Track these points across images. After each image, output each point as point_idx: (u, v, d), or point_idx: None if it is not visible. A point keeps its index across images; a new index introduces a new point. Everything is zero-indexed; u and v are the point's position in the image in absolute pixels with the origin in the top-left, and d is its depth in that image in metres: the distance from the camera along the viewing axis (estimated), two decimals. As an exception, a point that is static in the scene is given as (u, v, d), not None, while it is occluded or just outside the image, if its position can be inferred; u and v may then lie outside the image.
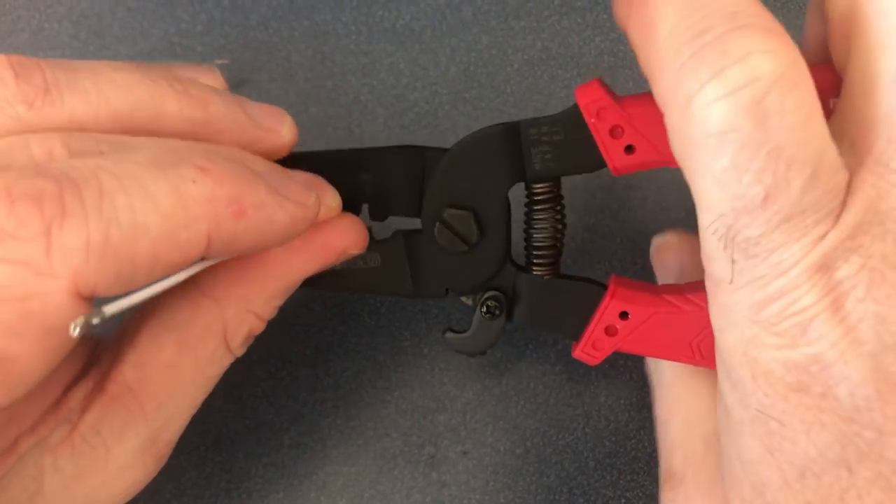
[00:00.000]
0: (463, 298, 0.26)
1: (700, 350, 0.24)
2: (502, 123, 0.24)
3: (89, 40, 0.34)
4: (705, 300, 0.21)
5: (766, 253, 0.18)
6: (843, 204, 0.18)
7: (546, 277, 0.25)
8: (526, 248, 0.25)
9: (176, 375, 0.23)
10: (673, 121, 0.18)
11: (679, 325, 0.24)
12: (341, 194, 0.24)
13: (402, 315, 0.31)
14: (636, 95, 0.23)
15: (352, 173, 0.25)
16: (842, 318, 0.18)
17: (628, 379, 0.30)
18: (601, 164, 0.23)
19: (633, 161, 0.23)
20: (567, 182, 0.25)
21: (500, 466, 0.30)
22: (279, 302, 0.25)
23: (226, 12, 0.34)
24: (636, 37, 0.20)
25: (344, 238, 0.24)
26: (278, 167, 0.23)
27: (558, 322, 0.25)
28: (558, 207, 0.25)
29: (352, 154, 0.25)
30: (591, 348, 0.25)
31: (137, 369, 0.23)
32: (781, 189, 0.17)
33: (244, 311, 0.23)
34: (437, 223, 0.24)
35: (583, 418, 0.30)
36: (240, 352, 0.24)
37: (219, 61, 0.33)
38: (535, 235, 0.25)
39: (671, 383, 0.26)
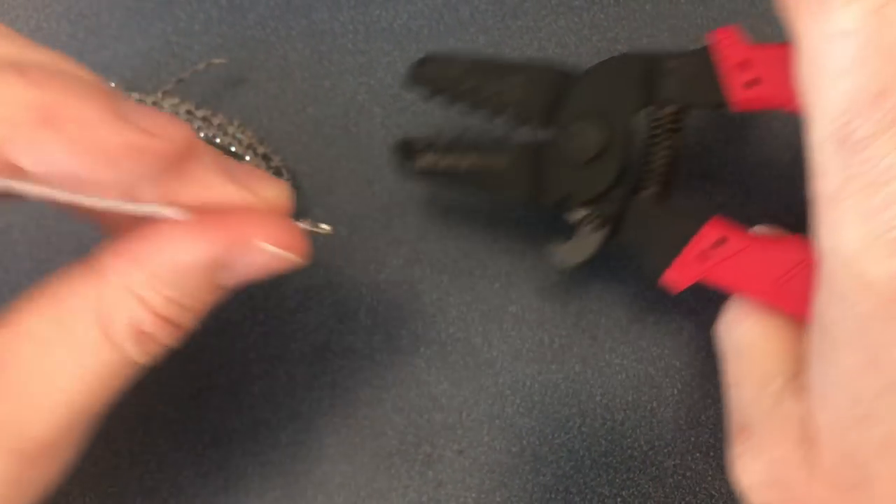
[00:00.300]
0: (571, 215, 0.27)
1: (785, 288, 0.24)
2: (642, 52, 0.26)
3: (87, 39, 0.34)
4: (802, 241, 0.23)
5: (877, 157, 0.19)
6: None
7: (654, 201, 0.26)
8: (642, 171, 0.27)
9: (47, 354, 0.21)
10: (802, 26, 0.20)
11: (770, 260, 0.24)
12: (482, 98, 0.27)
13: (398, 315, 0.31)
14: (768, 45, 0.25)
15: (495, 80, 0.27)
16: None
17: (624, 378, 0.30)
18: (723, 99, 0.25)
19: (753, 95, 0.25)
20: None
21: (496, 465, 0.30)
22: (174, 293, 0.21)
23: (223, 12, 0.34)
24: None
25: (261, 231, 0.22)
26: (148, 109, 0.22)
27: (654, 246, 0.26)
28: (678, 136, 0.26)
29: (497, 63, 0.27)
30: (681, 271, 0.26)
31: (10, 337, 0.21)
32: (894, 87, 0.18)
33: (123, 289, 0.21)
34: (566, 132, 0.26)
35: (578, 417, 0.30)
36: (129, 349, 0.21)
37: (216, 60, 0.33)
38: (652, 159, 0.26)
39: (747, 347, 0.26)
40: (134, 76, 0.33)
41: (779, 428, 0.23)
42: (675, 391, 0.30)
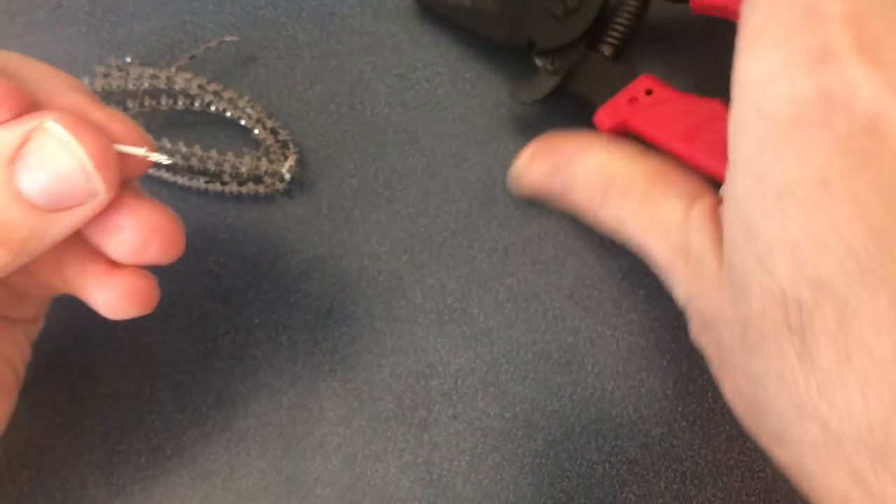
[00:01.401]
0: (537, 60, 0.31)
1: (695, 138, 0.27)
2: None
3: (105, 17, 0.35)
4: (721, 104, 0.26)
5: None
6: None
7: (606, 58, 0.30)
8: (602, 29, 0.30)
9: None
10: None
11: (686, 112, 0.27)
12: None
13: (398, 285, 0.32)
14: None
15: None
16: (871, 59, 0.19)
17: (615, 349, 0.31)
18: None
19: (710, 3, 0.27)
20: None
21: (490, 430, 0.31)
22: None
23: (236, -8, 0.35)
24: None
25: (61, 118, 0.21)
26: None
27: (597, 92, 0.29)
28: (644, 8, 0.31)
29: None
30: (611, 111, 0.29)
31: None
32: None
33: None
34: None
35: (570, 385, 0.31)
36: None
37: (229, 38, 0.34)
38: (616, 19, 0.30)
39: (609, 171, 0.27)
40: (149, 52, 0.35)
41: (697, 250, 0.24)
42: (664, 362, 0.31)
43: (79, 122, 0.21)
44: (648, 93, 0.28)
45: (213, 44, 0.34)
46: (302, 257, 0.33)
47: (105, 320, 0.25)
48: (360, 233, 0.33)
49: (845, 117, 0.19)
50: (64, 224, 0.21)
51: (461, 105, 0.34)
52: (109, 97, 0.34)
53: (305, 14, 0.35)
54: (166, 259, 0.24)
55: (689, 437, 0.30)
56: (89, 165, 0.21)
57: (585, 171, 0.27)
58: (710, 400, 0.31)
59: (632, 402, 0.31)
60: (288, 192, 0.33)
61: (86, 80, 0.34)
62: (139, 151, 0.22)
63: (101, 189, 0.21)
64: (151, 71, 0.33)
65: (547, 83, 0.30)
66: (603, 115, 0.29)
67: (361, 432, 0.31)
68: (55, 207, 0.21)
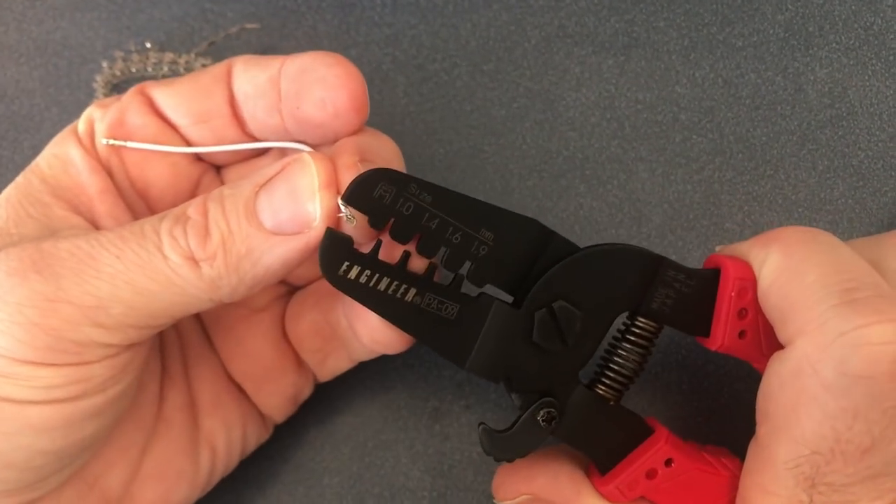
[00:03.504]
0: (517, 396, 0.24)
1: None
2: (647, 251, 0.24)
3: (125, 3, 0.35)
4: (738, 468, 0.23)
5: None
6: None
7: (604, 401, 0.24)
8: (601, 368, 0.25)
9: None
10: (807, 349, 0.20)
11: (711, 485, 0.24)
12: (458, 242, 0.22)
13: (412, 275, 0.32)
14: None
15: (474, 224, 0.23)
16: None
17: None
18: (705, 332, 0.24)
19: (737, 345, 0.23)
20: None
21: (501, 421, 0.30)
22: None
23: (257, -19, 0.35)
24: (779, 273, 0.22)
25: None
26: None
27: (597, 447, 0.24)
28: (651, 348, 0.24)
29: (481, 207, 0.23)
30: (626, 487, 0.24)
31: None
32: (884, 445, 0.19)
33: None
34: (543, 310, 0.23)
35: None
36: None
37: (249, 26, 0.34)
38: (618, 361, 0.24)
39: None
40: (168, 39, 0.35)
41: None
42: (680, 356, 0.31)
43: (324, 161, 0.23)
44: (668, 463, 0.24)
45: (233, 31, 0.34)
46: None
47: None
48: (375, 222, 0.33)
49: None
50: (276, 253, 0.22)
51: (479, 97, 0.34)
52: (128, 82, 0.34)
53: (325, 4, 0.35)
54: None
55: (705, 433, 0.30)
56: (316, 195, 0.22)
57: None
58: (726, 396, 0.30)
59: (646, 397, 0.30)
60: (304, 180, 0.33)
61: (105, 65, 0.34)
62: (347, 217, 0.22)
63: (318, 218, 0.22)
64: (171, 56, 0.34)
65: (534, 437, 0.23)
66: (615, 490, 0.24)
67: (372, 421, 0.31)
68: (277, 229, 0.22)
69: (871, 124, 0.33)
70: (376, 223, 0.22)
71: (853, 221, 0.32)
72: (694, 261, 0.32)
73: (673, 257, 0.31)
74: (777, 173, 0.32)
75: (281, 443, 0.31)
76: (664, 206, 0.32)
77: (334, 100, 0.24)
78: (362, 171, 0.22)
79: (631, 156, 0.33)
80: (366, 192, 0.22)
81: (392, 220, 0.22)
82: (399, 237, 0.22)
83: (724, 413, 0.30)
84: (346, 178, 0.22)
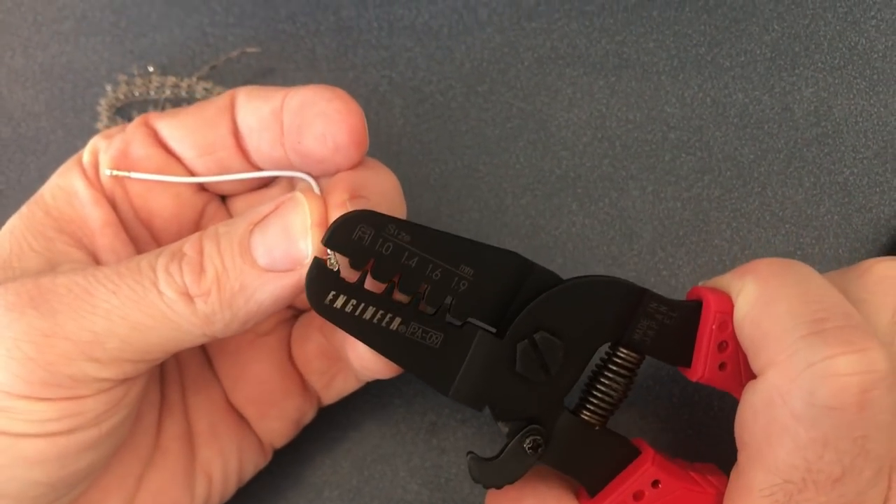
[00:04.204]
0: (504, 425, 0.24)
1: None
2: (630, 283, 0.24)
3: (128, 28, 0.36)
4: (724, 485, 0.23)
5: None
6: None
7: (588, 428, 0.25)
8: (584, 395, 0.25)
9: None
10: (777, 380, 0.21)
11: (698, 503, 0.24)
12: (438, 277, 0.23)
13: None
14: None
15: (453, 261, 0.23)
16: None
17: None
18: (687, 362, 0.24)
19: (718, 376, 0.24)
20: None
21: (497, 435, 0.31)
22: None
23: (257, 6, 0.36)
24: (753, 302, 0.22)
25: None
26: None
27: (584, 471, 0.25)
28: (633, 378, 0.25)
29: (460, 243, 0.23)
30: None
31: None
32: (854, 475, 0.20)
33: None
34: (525, 341, 0.24)
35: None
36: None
37: (249, 50, 0.35)
38: (601, 389, 0.25)
39: None
40: (170, 62, 0.36)
41: None
42: (671, 370, 0.31)
43: (317, 200, 0.23)
44: (655, 484, 0.24)
45: (233, 55, 0.35)
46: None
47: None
48: (373, 240, 0.33)
49: None
50: (268, 289, 0.23)
51: (473, 117, 0.34)
52: (132, 105, 0.35)
53: (324, 28, 0.36)
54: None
55: (695, 446, 0.31)
56: (309, 233, 0.23)
57: None
58: (716, 409, 0.31)
59: (637, 410, 0.31)
60: (303, 200, 0.34)
61: (108, 89, 0.35)
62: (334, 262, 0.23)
63: (309, 255, 0.23)
64: (173, 80, 0.34)
65: (521, 464, 0.24)
66: None
67: (370, 436, 0.31)
68: (270, 266, 0.23)
69: (857, 142, 0.34)
70: (357, 264, 0.23)
71: (839, 237, 0.33)
72: (684, 276, 0.33)
73: (663, 273, 0.32)
74: (764, 190, 0.33)
75: (281, 458, 0.31)
76: (654, 223, 0.33)
77: (335, 135, 0.24)
78: (350, 209, 0.23)
79: (622, 174, 0.34)
80: (345, 235, 0.22)
81: (372, 260, 0.23)
82: (380, 277, 0.23)
83: (714, 426, 0.31)
84: (336, 217, 0.23)
